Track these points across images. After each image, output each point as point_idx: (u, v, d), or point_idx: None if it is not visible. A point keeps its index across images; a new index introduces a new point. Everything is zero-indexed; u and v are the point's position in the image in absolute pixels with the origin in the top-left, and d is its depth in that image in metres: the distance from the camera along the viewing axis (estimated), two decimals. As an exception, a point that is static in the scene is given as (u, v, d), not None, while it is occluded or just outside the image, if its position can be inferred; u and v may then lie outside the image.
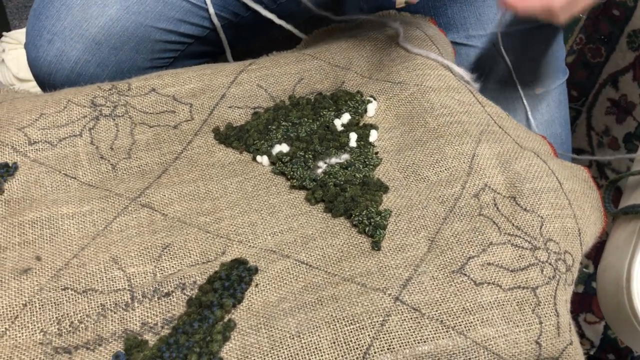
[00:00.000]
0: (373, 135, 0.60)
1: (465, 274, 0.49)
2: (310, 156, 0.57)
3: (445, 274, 0.49)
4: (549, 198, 0.54)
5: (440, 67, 0.67)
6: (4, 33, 1.29)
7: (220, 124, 0.62)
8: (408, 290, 0.48)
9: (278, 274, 0.49)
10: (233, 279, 0.48)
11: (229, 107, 0.63)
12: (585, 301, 1.15)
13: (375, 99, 0.64)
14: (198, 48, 0.78)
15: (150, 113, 0.62)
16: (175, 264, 0.50)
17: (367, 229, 0.52)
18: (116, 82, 0.64)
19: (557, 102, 0.78)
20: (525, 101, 0.77)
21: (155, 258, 0.50)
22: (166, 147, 0.60)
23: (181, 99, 0.64)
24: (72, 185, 0.56)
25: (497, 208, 0.53)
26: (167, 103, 0.63)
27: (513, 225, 0.52)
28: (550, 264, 0.50)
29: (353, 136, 0.59)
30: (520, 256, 0.50)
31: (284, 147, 0.58)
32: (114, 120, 0.61)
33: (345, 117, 0.61)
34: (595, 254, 0.59)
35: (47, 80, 0.72)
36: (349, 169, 0.56)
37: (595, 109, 1.11)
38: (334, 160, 0.57)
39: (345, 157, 0.58)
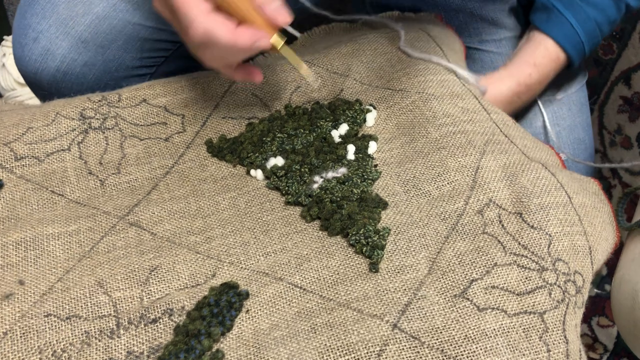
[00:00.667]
0: (372, 147, 0.57)
1: (468, 299, 0.46)
2: (306, 170, 0.55)
3: (447, 299, 0.46)
4: (558, 214, 0.51)
5: (443, 72, 0.64)
6: (4, 37, 1.27)
7: (213, 136, 0.59)
8: (407, 317, 0.45)
9: (270, 298, 0.47)
10: (222, 305, 0.45)
11: (223, 118, 0.61)
12: (598, 304, 1.12)
13: (374, 108, 0.61)
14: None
15: (141, 125, 0.60)
16: (163, 287, 0.48)
17: (364, 249, 0.49)
18: (106, 93, 0.62)
19: (579, 106, 0.75)
20: (542, 108, 0.73)
21: (142, 281, 0.48)
22: (157, 161, 0.57)
23: (173, 110, 0.61)
24: (59, 203, 0.54)
25: (502, 225, 0.50)
26: (159, 114, 0.61)
27: (519, 244, 0.49)
28: (558, 286, 0.47)
29: (351, 148, 0.56)
30: (526, 278, 0.47)
31: (278, 160, 0.56)
32: (104, 133, 0.59)
33: (343, 128, 0.58)
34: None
35: (33, 79, 0.70)
36: (346, 183, 0.54)
37: (607, 107, 1.08)
38: (330, 174, 0.55)
39: (342, 170, 0.55)
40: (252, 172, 0.56)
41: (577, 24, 0.68)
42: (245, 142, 0.57)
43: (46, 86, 0.69)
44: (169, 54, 0.75)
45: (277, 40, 0.49)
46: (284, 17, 0.47)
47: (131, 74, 0.71)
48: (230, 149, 0.57)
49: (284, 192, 0.54)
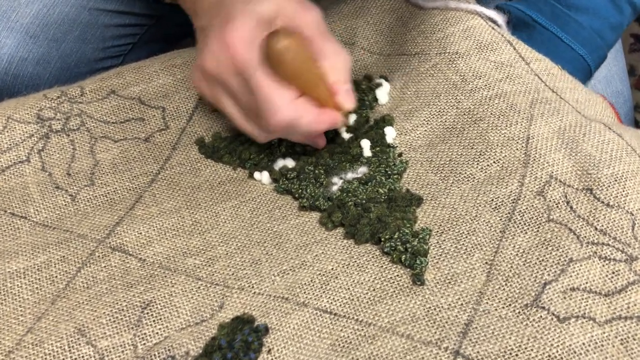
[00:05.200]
0: (390, 134, 0.48)
1: (544, 308, 0.37)
2: (322, 171, 0.45)
3: (517, 311, 0.37)
4: (636, 185, 0.42)
5: (465, 18, 0.53)
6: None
7: (204, 133, 0.50)
8: (470, 340, 0.36)
9: (295, 331, 0.38)
10: (237, 347, 0.36)
11: (213, 110, 0.51)
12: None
13: (387, 80, 0.51)
14: (161, 30, 0.66)
15: (113, 123, 0.50)
16: (160, 328, 0.39)
17: (403, 257, 0.40)
18: (66, 87, 0.53)
19: (614, 53, 0.65)
20: None
21: (133, 323, 0.39)
22: (138, 167, 0.48)
23: (150, 102, 0.51)
24: (22, 229, 0.45)
25: (571, 207, 0.41)
26: (133, 108, 0.51)
27: (596, 229, 0.40)
28: (654, 279, 0.38)
29: (365, 144, 0.47)
30: (613, 273, 0.38)
31: (288, 162, 0.46)
32: (69, 136, 0.50)
33: (350, 119, 0.49)
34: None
35: None
36: (370, 184, 0.44)
37: (617, 47, 1.00)
38: (350, 175, 0.45)
39: (362, 170, 0.45)
40: (257, 175, 0.46)
41: (569, 38, 0.57)
42: (248, 140, 0.47)
43: None
44: (137, 40, 0.67)
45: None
46: (350, 104, 0.45)
47: (94, 67, 0.64)
48: (229, 148, 0.48)
49: (297, 195, 0.44)
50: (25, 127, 0.50)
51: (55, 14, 0.60)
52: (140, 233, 0.44)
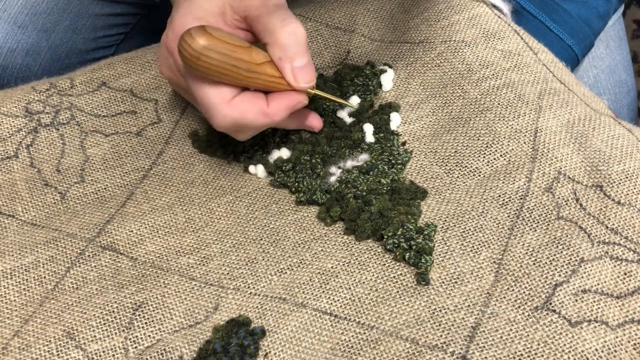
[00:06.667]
0: (395, 120, 0.46)
1: (555, 311, 0.35)
2: (318, 160, 0.43)
3: (526, 314, 0.35)
4: (648, 182, 0.40)
5: (470, 6, 0.51)
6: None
7: (198, 127, 0.48)
8: (477, 344, 0.34)
9: (293, 333, 0.36)
10: (232, 352, 0.35)
11: (206, 100, 0.49)
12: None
13: (391, 67, 0.49)
14: (154, 20, 0.64)
15: (104, 116, 0.49)
16: (152, 331, 0.37)
17: (407, 255, 0.38)
18: (55, 79, 0.51)
19: (617, 42, 0.63)
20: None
21: (125, 325, 0.37)
22: (129, 162, 0.47)
23: (142, 94, 0.50)
24: (10, 228, 0.43)
25: (581, 205, 0.39)
26: (125, 100, 0.49)
27: (607, 228, 0.38)
28: (668, 280, 0.36)
29: (368, 128, 0.45)
30: (625, 274, 0.36)
31: (283, 153, 0.44)
32: (58, 130, 0.48)
33: (353, 102, 0.46)
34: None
35: None
36: (371, 173, 0.42)
37: (619, 34, 0.97)
38: (349, 163, 0.43)
39: (363, 157, 0.43)
40: (252, 168, 0.45)
41: (558, 27, 0.56)
42: None
43: None
44: (129, 30, 0.65)
45: (309, 92, 0.42)
46: (303, 81, 0.40)
47: (85, 58, 0.62)
48: (222, 142, 0.46)
49: (293, 189, 0.43)
50: (13, 121, 0.48)
51: (44, 3, 0.58)
52: (132, 231, 0.42)
